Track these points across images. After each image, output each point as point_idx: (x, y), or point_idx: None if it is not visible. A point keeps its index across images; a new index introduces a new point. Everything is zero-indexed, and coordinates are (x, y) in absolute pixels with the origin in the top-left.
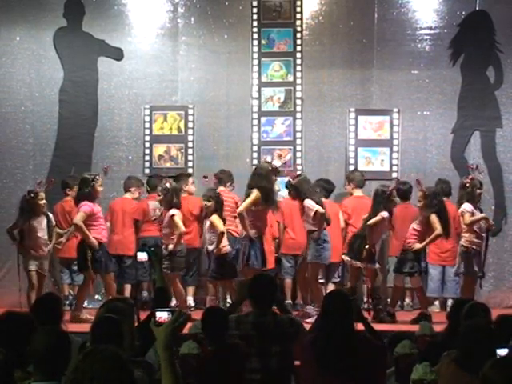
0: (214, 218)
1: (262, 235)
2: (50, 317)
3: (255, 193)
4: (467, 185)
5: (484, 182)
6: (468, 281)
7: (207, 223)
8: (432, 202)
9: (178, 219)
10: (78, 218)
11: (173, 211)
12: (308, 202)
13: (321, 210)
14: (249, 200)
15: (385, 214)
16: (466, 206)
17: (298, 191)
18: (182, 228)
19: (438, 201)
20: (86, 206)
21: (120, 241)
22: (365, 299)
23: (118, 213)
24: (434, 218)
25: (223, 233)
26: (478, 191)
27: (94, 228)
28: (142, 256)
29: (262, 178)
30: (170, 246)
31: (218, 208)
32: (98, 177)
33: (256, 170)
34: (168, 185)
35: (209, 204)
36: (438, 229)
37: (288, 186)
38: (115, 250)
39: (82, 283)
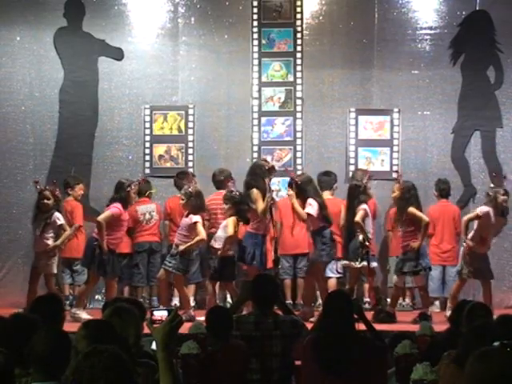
0: (230, 220)
1: (266, 234)
2: (49, 317)
3: (259, 192)
4: (490, 194)
5: (484, 182)
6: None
7: (224, 222)
8: (405, 195)
9: (201, 226)
10: (103, 217)
11: (196, 218)
12: (308, 202)
13: (304, 215)
14: (260, 201)
15: (364, 206)
16: (482, 208)
17: (302, 190)
18: (204, 235)
19: (411, 195)
20: (116, 209)
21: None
22: (365, 299)
23: None
24: (412, 210)
25: (231, 237)
26: (502, 198)
27: (112, 232)
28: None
29: (259, 178)
30: (181, 247)
31: (237, 209)
32: (133, 184)
33: (253, 168)
34: (191, 189)
35: (226, 207)
36: (424, 218)
37: (292, 184)
38: None
39: (84, 283)
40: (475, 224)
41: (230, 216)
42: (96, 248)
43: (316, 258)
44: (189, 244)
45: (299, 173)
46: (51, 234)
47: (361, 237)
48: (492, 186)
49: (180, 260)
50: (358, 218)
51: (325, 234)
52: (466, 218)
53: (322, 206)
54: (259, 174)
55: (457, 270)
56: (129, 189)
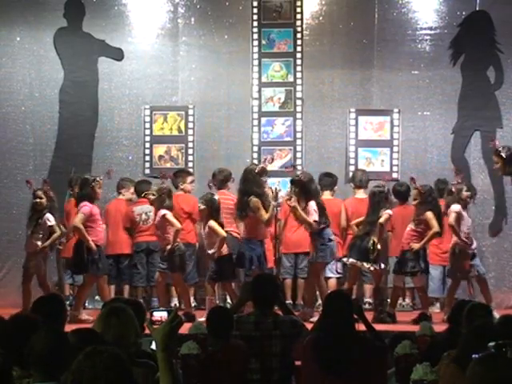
0: (212, 223)
1: (263, 239)
2: (51, 317)
3: (258, 200)
4: (453, 190)
5: (484, 182)
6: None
7: (206, 228)
8: (427, 199)
9: (171, 217)
10: (78, 220)
11: (163, 211)
12: (311, 207)
13: (312, 224)
14: (262, 210)
15: (390, 211)
16: (453, 207)
17: (306, 190)
18: (178, 225)
19: (433, 198)
20: (86, 207)
21: (115, 241)
22: (365, 300)
23: (112, 214)
24: (429, 215)
25: (225, 237)
26: (465, 193)
27: (91, 230)
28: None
29: (252, 184)
30: (168, 247)
31: (213, 212)
32: (98, 179)
33: (245, 175)
34: (164, 185)
35: (202, 207)
36: (435, 226)
37: (295, 182)
38: (112, 251)
39: (82, 284)
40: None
41: (206, 218)
42: (84, 251)
43: (315, 259)
44: (172, 240)
45: (298, 172)
46: (41, 235)
47: (372, 240)
48: (454, 182)
49: (172, 260)
50: (382, 219)
51: (324, 235)
52: (452, 222)
53: (322, 208)
54: (251, 180)
55: (449, 273)
56: (93, 184)
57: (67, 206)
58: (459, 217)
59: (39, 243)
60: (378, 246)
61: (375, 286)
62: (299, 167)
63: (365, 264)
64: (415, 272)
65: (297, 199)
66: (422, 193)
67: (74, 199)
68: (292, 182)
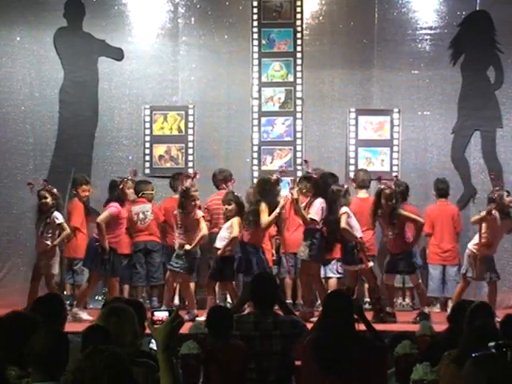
0: (236, 220)
1: (258, 244)
2: (50, 317)
3: (267, 206)
4: (494, 197)
5: (484, 182)
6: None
7: (227, 223)
8: (398, 197)
9: (203, 221)
10: (102, 218)
11: (201, 213)
12: (317, 204)
13: (307, 220)
14: (266, 214)
15: (346, 209)
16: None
17: (319, 187)
18: (206, 230)
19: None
20: (114, 208)
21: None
22: (365, 299)
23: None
24: (402, 212)
25: (236, 238)
26: (508, 199)
27: (111, 231)
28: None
29: (269, 194)
30: (187, 246)
31: (241, 211)
32: (126, 179)
33: (261, 185)
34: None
35: (230, 208)
36: (419, 219)
37: (307, 178)
38: None
39: (85, 283)
40: (483, 228)
41: (233, 216)
42: (98, 248)
43: (305, 257)
44: (195, 243)
45: (313, 168)
46: (50, 235)
47: (353, 243)
48: (496, 188)
49: (187, 260)
50: (343, 224)
51: (316, 235)
52: (476, 217)
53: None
54: (268, 190)
55: (462, 273)
56: (122, 186)
57: (69, 207)
58: (492, 222)
59: (49, 242)
60: (358, 246)
61: (368, 284)
62: (299, 167)
63: (353, 267)
64: (412, 271)
65: (299, 193)
66: (398, 192)
67: (78, 199)
68: (305, 177)
